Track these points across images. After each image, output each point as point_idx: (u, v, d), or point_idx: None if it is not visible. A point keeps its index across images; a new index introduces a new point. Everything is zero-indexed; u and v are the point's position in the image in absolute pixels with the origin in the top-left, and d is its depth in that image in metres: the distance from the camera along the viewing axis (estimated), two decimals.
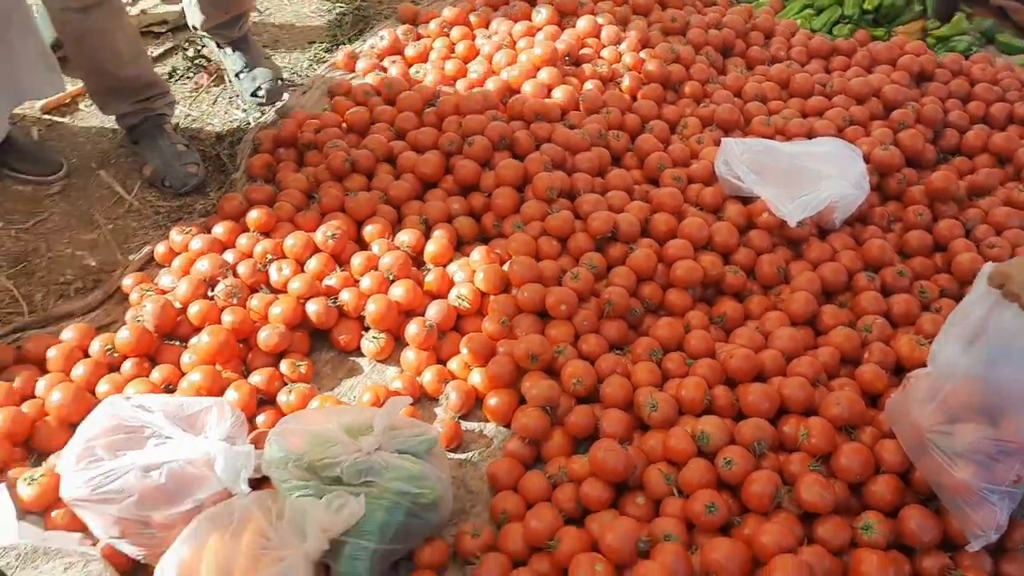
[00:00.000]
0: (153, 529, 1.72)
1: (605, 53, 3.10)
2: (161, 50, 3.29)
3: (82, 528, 1.80)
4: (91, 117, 2.98)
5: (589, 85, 2.94)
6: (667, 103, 2.96)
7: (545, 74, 2.93)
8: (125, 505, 1.69)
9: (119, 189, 2.73)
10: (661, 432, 1.99)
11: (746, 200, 2.52)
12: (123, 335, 2.14)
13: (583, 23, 3.17)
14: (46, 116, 3.01)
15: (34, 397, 2.07)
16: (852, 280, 2.39)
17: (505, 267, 2.35)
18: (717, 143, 2.69)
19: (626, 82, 2.98)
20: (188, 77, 3.19)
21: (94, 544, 1.78)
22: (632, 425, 2.04)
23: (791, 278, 2.38)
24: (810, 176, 2.45)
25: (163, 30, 3.36)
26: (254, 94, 3.02)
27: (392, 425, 1.84)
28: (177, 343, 2.22)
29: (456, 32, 3.23)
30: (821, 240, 2.48)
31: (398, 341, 2.31)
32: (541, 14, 3.21)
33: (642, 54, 3.06)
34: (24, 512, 1.82)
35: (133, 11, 3.32)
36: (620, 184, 2.59)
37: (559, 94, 2.88)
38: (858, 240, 2.50)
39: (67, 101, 3.06)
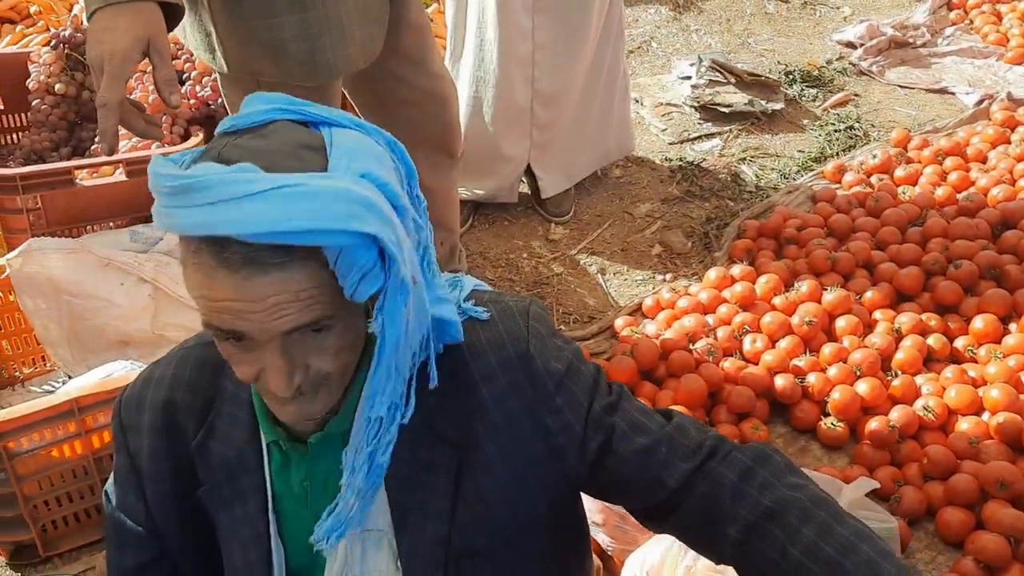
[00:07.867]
0: (628, 526, 1.99)
1: None
2: None
3: None
4: None
5: None
6: None
7: None
8: None
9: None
10: None
11: None
12: (614, 364, 2.50)
13: None
14: None
15: None
16: None
17: (980, 391, 2.34)
18: None
19: None
20: None
21: None
22: None
23: None
24: None
25: None
26: None
27: (855, 502, 1.94)
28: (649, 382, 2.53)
29: (950, 161, 3.28)
30: None
31: (852, 434, 2.39)
32: None
33: None
34: None
35: None
36: None
37: None
38: None
39: None
